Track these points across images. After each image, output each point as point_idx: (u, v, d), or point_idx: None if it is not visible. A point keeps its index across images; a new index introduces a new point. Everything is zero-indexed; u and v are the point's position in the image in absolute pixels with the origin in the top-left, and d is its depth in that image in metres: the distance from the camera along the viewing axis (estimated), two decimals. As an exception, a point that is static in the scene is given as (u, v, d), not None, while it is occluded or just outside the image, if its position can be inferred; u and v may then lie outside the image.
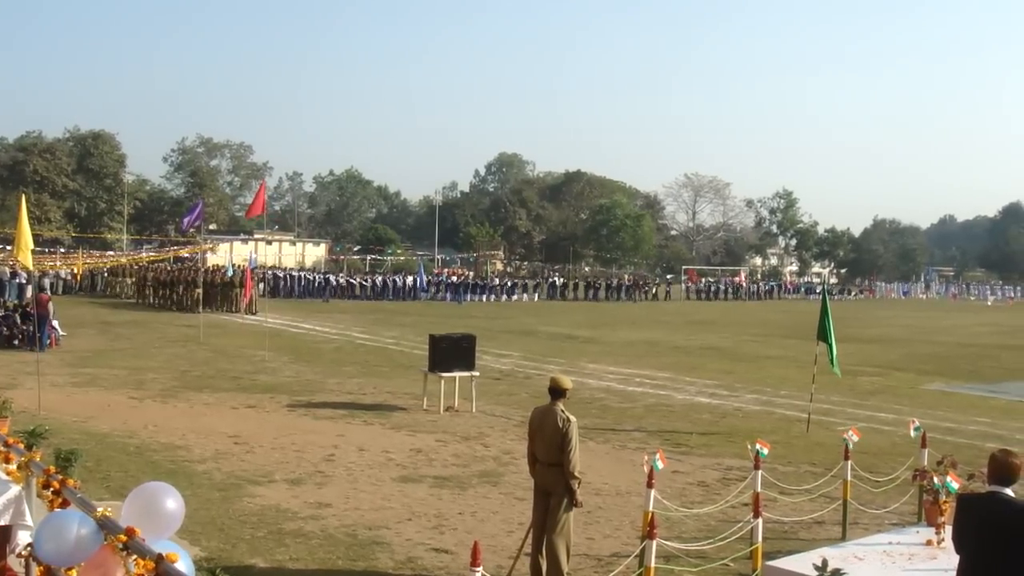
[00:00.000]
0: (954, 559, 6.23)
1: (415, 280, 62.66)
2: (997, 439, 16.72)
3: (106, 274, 57.19)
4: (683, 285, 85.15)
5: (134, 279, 51.02)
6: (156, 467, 12.90)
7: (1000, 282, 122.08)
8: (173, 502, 4.69)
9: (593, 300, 68.75)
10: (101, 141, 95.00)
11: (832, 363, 17.98)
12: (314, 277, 60.87)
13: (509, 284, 69.40)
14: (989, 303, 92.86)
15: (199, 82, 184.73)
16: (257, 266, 50.59)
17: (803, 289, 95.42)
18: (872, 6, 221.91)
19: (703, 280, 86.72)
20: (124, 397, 18.97)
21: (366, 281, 62.65)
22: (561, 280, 75.10)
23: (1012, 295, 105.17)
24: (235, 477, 12.63)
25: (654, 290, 76.19)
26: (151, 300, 45.89)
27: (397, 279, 63.52)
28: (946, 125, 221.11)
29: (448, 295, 62.22)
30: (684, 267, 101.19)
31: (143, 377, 21.71)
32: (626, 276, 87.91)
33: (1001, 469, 6.06)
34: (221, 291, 43.70)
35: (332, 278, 61.50)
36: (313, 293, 57.49)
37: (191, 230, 57.94)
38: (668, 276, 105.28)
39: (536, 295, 69.16)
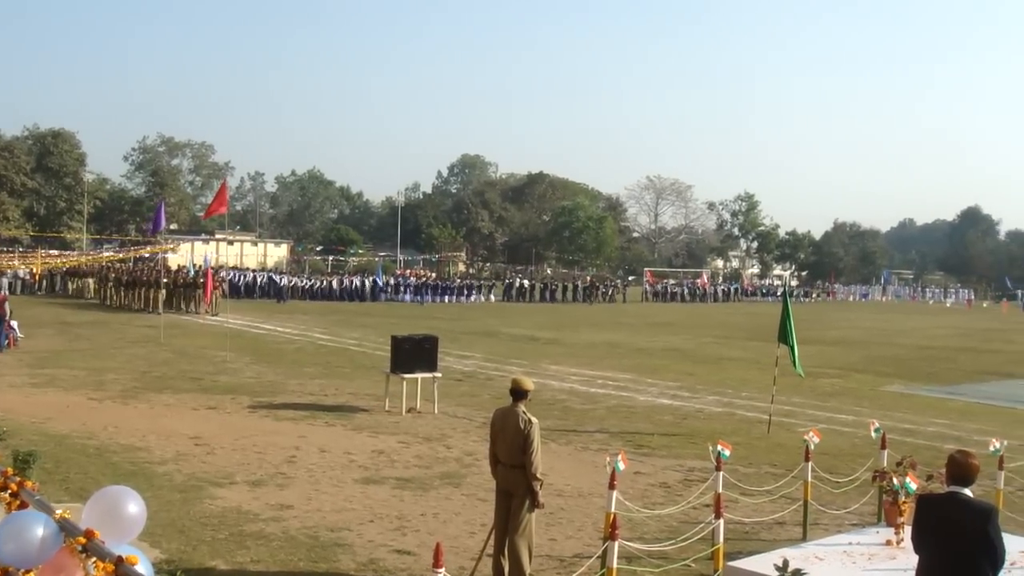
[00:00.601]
0: (913, 559, 6.31)
1: (374, 281, 62.47)
2: (955, 440, 16.93)
3: (65, 274, 56.54)
4: (644, 287, 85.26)
5: (95, 279, 50.54)
6: (116, 469, 12.78)
7: (958, 285, 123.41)
8: (135, 506, 4.63)
9: (550, 302, 68.80)
10: (61, 140, 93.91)
11: (795, 364, 18.14)
12: (272, 278, 60.28)
13: (469, 285, 69.21)
14: (947, 305, 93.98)
15: (161, 81, 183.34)
16: (213, 267, 50.25)
17: (761, 292, 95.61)
18: (832, 10, 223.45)
19: (660, 282, 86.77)
20: (83, 398, 18.77)
21: (324, 283, 62.25)
22: (521, 282, 74.77)
23: (970, 298, 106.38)
24: (196, 479, 12.53)
25: (610, 292, 76.16)
26: (112, 300, 45.46)
27: (356, 279, 63.32)
28: (906, 129, 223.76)
29: (409, 296, 62.08)
30: (645, 269, 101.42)
31: (103, 378, 21.48)
32: (587, 278, 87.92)
33: (960, 470, 6.15)
34: (183, 291, 43.37)
35: (287, 279, 61.11)
36: (271, 294, 56.92)
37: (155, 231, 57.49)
38: (629, 278, 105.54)
39: (491, 296, 69.11)
